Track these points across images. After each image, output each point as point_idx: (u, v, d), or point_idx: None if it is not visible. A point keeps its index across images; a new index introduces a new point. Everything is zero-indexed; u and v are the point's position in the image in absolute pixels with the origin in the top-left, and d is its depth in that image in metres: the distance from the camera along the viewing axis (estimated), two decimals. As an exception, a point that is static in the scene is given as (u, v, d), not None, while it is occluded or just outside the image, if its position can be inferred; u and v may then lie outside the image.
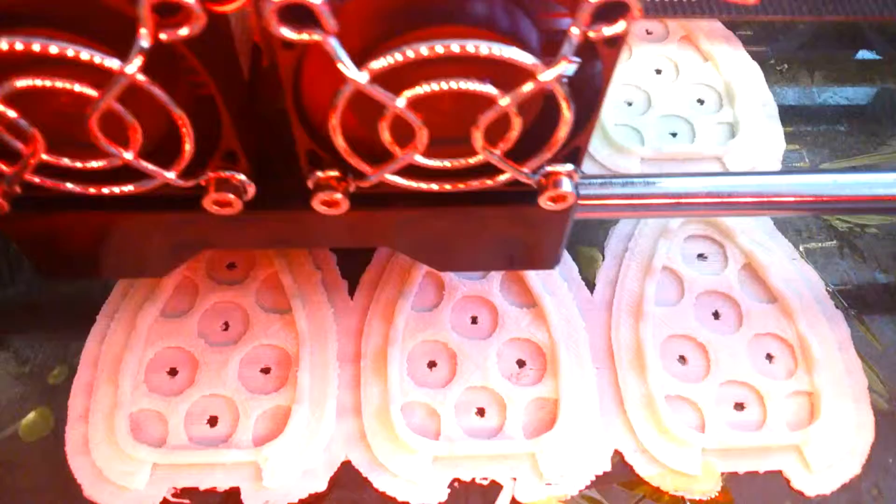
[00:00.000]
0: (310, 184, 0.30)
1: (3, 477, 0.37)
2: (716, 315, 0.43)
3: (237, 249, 0.44)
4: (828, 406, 0.39)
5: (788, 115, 0.52)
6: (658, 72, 0.53)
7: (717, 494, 0.37)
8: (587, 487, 0.38)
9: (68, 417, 0.39)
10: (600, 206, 0.39)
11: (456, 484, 0.38)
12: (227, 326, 0.42)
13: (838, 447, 0.38)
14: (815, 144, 0.51)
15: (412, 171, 0.29)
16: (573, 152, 0.30)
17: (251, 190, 0.30)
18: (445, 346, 0.41)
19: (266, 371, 0.40)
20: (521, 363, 0.41)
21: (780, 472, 0.38)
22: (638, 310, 0.42)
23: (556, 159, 0.29)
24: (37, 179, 0.29)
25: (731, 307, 0.43)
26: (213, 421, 0.39)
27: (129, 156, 0.27)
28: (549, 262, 0.38)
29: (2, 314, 0.43)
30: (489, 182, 0.30)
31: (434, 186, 0.30)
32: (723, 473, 0.38)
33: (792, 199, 0.39)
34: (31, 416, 0.39)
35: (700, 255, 0.45)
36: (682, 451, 0.38)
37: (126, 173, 0.28)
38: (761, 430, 0.39)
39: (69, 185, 0.29)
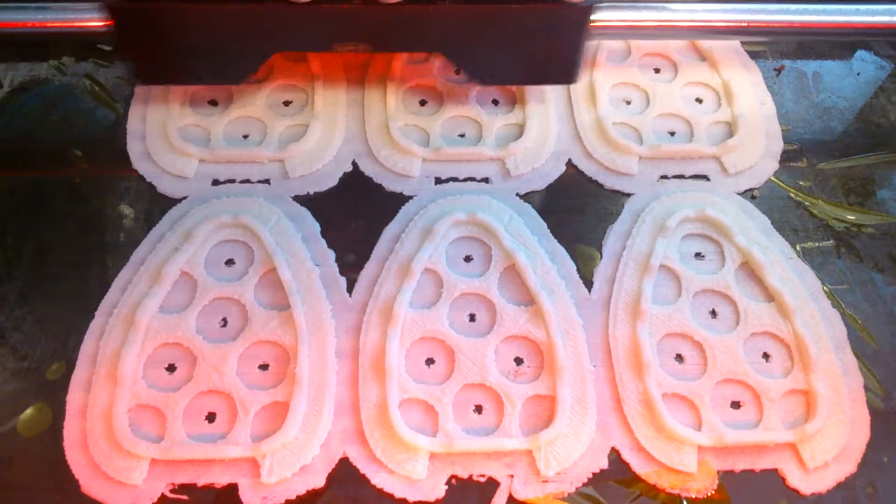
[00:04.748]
0: None
1: (1, 472, 0.37)
2: (713, 314, 0.43)
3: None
4: (824, 405, 0.39)
5: (786, 114, 0.52)
6: (657, 70, 0.54)
7: (713, 492, 0.38)
8: (584, 485, 0.38)
9: (66, 413, 0.39)
10: (614, 28, 0.48)
11: (453, 481, 0.38)
12: (225, 322, 0.42)
13: (834, 446, 0.39)
14: (813, 144, 0.51)
15: None
16: None
17: None
18: (443, 343, 0.41)
19: (264, 367, 0.41)
20: (518, 360, 0.41)
21: (776, 471, 0.38)
22: (635, 308, 0.42)
23: None
24: None
25: (729, 306, 0.43)
26: (210, 417, 0.39)
27: None
28: (568, 75, 0.46)
29: (0, 309, 0.43)
30: None
31: None
32: (719, 471, 0.38)
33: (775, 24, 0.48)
34: (29, 411, 0.39)
35: (697, 254, 0.45)
36: (679, 449, 0.38)
37: None
38: (757, 429, 0.39)
39: None
